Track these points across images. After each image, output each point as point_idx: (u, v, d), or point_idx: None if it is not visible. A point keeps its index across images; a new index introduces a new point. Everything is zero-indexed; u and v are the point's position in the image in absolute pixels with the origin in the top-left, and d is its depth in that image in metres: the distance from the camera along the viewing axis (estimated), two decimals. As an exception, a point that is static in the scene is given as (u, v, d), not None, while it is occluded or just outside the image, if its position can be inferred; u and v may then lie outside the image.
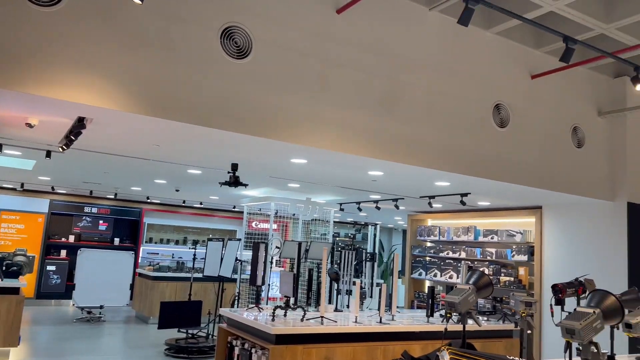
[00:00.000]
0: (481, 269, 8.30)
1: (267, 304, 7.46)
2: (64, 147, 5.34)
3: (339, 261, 8.91)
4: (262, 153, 5.26)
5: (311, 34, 4.66)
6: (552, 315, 4.02)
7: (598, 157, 6.76)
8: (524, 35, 6.05)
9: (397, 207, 8.91)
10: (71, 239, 13.17)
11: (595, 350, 2.75)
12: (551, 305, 4.05)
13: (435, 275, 9.37)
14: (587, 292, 4.04)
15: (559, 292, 4.05)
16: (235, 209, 14.33)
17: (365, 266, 11.33)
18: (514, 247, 8.01)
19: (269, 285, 9.01)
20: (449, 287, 7.75)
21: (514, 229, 8.05)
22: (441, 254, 9.36)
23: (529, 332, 4.04)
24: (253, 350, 4.80)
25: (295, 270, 7.10)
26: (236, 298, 9.08)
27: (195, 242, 10.26)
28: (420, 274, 9.75)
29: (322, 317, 5.08)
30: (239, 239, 9.03)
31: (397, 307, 5.81)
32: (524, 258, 7.81)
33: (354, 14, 4.88)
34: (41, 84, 3.52)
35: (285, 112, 4.48)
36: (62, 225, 13.20)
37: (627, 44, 5.65)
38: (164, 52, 3.97)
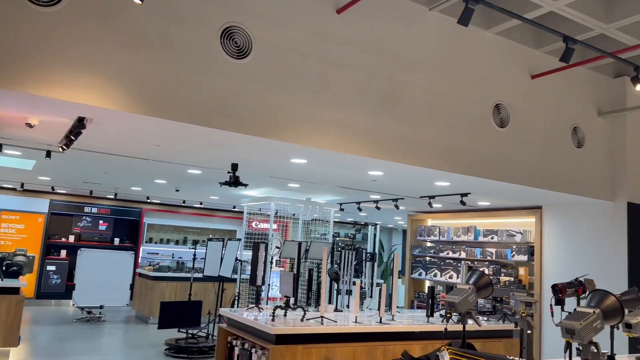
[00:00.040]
0: (481, 269, 8.30)
1: (267, 304, 7.46)
2: (64, 147, 5.34)
3: (339, 261, 8.90)
4: (262, 153, 5.26)
5: (311, 34, 4.66)
6: (552, 315, 4.02)
7: (598, 157, 6.76)
8: (524, 35, 6.05)
9: (397, 207, 8.91)
10: (71, 239, 13.18)
11: (595, 350, 2.75)
12: (551, 305, 4.05)
13: (435, 275, 9.37)
14: (587, 292, 4.04)
15: (559, 292, 4.05)
16: (235, 209, 14.34)
17: (365, 266, 11.33)
18: (514, 247, 8.01)
19: (269, 285, 9.01)
20: (449, 287, 7.75)
21: (514, 229, 8.06)
22: (441, 254, 9.36)
23: (529, 332, 4.04)
24: (253, 350, 4.81)
25: (295, 270, 7.10)
26: (236, 298, 9.08)
27: (195, 242, 10.26)
28: (420, 274, 9.75)
29: (322, 317, 5.08)
30: (239, 239, 9.03)
31: (397, 307, 5.82)
32: (524, 258, 7.81)
33: (354, 14, 4.88)
34: (41, 84, 3.52)
35: (285, 112, 4.48)
36: (62, 225, 13.20)
37: (627, 44, 5.65)
38: (164, 52, 3.97)
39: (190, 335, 8.37)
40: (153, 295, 10.55)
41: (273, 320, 4.94)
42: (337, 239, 15.44)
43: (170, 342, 8.19)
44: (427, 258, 9.73)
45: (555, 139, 6.36)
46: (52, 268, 12.52)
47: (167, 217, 14.64)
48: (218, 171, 7.04)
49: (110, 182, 9.79)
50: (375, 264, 11.73)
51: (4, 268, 7.25)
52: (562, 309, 3.99)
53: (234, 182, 5.93)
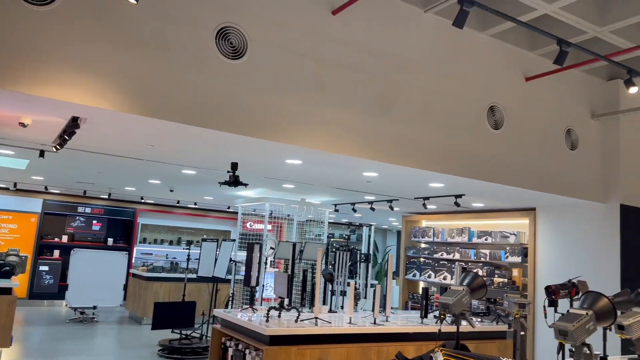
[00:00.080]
0: (475, 271, 8.33)
1: (261, 305, 7.45)
2: (57, 146, 5.32)
3: (333, 262, 8.90)
4: (257, 154, 5.26)
5: (306, 34, 4.66)
6: (546, 317, 4.04)
7: (591, 159, 6.80)
8: (518, 38, 6.08)
9: (391, 208, 8.92)
10: (64, 239, 13.11)
11: (588, 352, 2.77)
12: (544, 306, 4.07)
13: (429, 277, 9.39)
14: (580, 294, 4.06)
15: (552, 293, 4.07)
16: (230, 210, 14.31)
17: (360, 267, 11.33)
18: (507, 248, 8.04)
19: (263, 286, 9.00)
20: (443, 288, 7.77)
21: (508, 230, 8.09)
22: (435, 255, 9.38)
23: (522, 333, 4.06)
24: (247, 351, 4.80)
25: (289, 271, 7.09)
26: (230, 299, 9.06)
27: (189, 243, 10.24)
28: (414, 275, 9.77)
29: (316, 318, 5.08)
30: (234, 240, 9.02)
31: (391, 308, 5.81)
32: (518, 259, 7.84)
33: (350, 15, 4.89)
34: (35, 83, 3.50)
35: (280, 112, 4.47)
36: (55, 225, 13.13)
37: (620, 47, 5.69)
38: (158, 52, 3.96)
39: (184, 336, 8.34)
40: (147, 296, 10.51)
41: (267, 321, 4.94)
42: (332, 239, 15.44)
43: (163, 343, 8.16)
44: (422, 259, 9.75)
45: (549, 141, 6.39)
46: (45, 268, 12.45)
47: (161, 217, 14.60)
48: (213, 171, 7.03)
49: (104, 182, 9.75)
50: (370, 265, 11.74)
51: (-4, 268, 7.20)
52: (556, 311, 4.01)
53: (234, 181, 5.82)
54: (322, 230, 9.81)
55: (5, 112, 4.27)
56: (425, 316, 5.92)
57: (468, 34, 5.69)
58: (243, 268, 7.68)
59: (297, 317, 5.11)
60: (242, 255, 8.80)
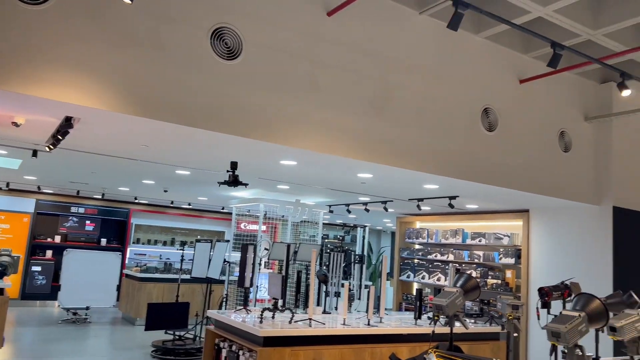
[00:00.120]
0: (469, 272, 8.36)
1: (255, 306, 7.44)
2: (50, 146, 5.29)
3: (327, 263, 8.91)
4: (252, 154, 5.25)
5: (302, 35, 4.66)
6: (539, 318, 4.06)
7: (584, 161, 6.83)
8: (512, 40, 6.11)
9: (386, 209, 8.93)
10: (57, 239, 13.03)
11: (580, 354, 2.78)
12: (537, 308, 4.09)
13: (423, 278, 9.40)
14: (573, 296, 4.08)
15: (545, 295, 4.09)
16: (224, 210, 14.27)
17: (354, 268, 11.34)
18: (501, 249, 8.07)
19: (257, 287, 8.99)
20: (437, 290, 7.79)
21: (502, 232, 8.12)
22: (429, 257, 9.40)
23: (515, 335, 4.08)
24: (241, 353, 4.79)
25: (283, 272, 7.09)
26: (224, 300, 9.04)
27: (183, 243, 10.19)
28: (408, 276, 9.78)
29: (310, 319, 5.07)
30: (228, 240, 8.99)
31: (385, 309, 5.82)
32: (511, 261, 7.87)
33: (345, 17, 4.89)
34: (28, 82, 3.48)
35: (275, 113, 4.47)
36: (48, 225, 13.06)
37: (613, 50, 5.73)
38: (153, 52, 3.94)
39: (177, 337, 8.31)
40: (140, 297, 10.46)
41: (261, 322, 4.93)
42: (326, 240, 15.44)
43: (157, 344, 8.13)
44: (416, 260, 9.76)
45: (543, 143, 6.42)
46: (38, 269, 12.37)
47: (155, 217, 14.54)
48: (207, 172, 7.01)
49: (98, 182, 9.70)
50: (364, 266, 11.75)
51: (-12, 268, 7.15)
52: (548, 312, 4.03)
53: (234, 181, 5.69)
54: (316, 231, 9.81)
55: (-2, 112, 4.25)
56: (419, 317, 5.93)
57: (463, 36, 5.71)
58: (237, 269, 7.67)
59: (291, 318, 5.10)
60: (236, 256, 8.77)
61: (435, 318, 3.64)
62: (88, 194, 12.64)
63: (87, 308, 10.79)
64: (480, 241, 8.42)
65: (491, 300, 6.68)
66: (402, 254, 10.09)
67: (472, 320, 6.31)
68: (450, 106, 5.59)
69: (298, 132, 4.57)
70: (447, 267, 8.93)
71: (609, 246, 6.61)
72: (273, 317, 5.24)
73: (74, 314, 10.63)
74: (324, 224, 9.98)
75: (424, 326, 5.59)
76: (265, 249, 8.25)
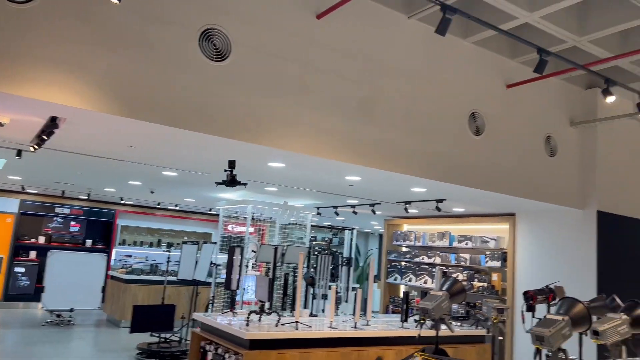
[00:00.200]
0: (455, 275, 8.40)
1: (241, 309, 7.40)
2: (35, 146, 5.23)
3: (315, 265, 8.90)
4: (240, 156, 5.23)
5: (291, 38, 4.66)
6: (523, 322, 4.09)
7: (570, 166, 6.91)
8: (500, 46, 6.16)
9: (373, 212, 8.95)
10: (41, 240, 12.86)
11: (564, 357, 2.81)
12: (522, 311, 4.12)
13: (410, 280, 9.43)
14: (557, 299, 4.12)
15: (530, 298, 4.12)
16: (211, 212, 14.19)
17: (342, 270, 11.33)
18: (487, 253, 8.12)
19: (244, 289, 8.94)
20: (424, 293, 7.82)
21: (488, 235, 8.17)
22: (416, 259, 9.43)
23: (500, 338, 4.10)
24: (226, 356, 4.76)
25: (271, 275, 7.06)
26: (210, 302, 8.98)
27: (169, 245, 10.13)
28: (395, 279, 9.81)
29: (296, 322, 5.06)
30: (215, 242, 8.94)
31: (372, 312, 5.83)
32: (497, 264, 7.93)
33: (334, 20, 4.90)
34: (13, 81, 3.43)
35: (263, 115, 4.46)
36: (32, 225, 12.88)
37: (598, 57, 5.80)
38: (140, 53, 3.91)
39: (162, 340, 8.25)
40: (125, 299, 10.36)
41: (247, 325, 4.91)
42: (314, 243, 15.42)
43: (142, 347, 8.05)
44: (403, 263, 9.80)
45: (529, 148, 6.48)
46: (21, 270, 12.20)
47: (142, 219, 14.41)
48: (194, 173, 6.97)
49: (83, 182, 9.59)
50: (352, 269, 11.75)
51: (-31, 270, 7.03)
52: (533, 316, 4.06)
53: (231, 180, 5.50)
54: (304, 234, 9.79)
55: (-19, 111, 4.18)
56: (406, 320, 5.94)
57: (451, 41, 5.75)
58: (224, 271, 7.62)
59: (278, 321, 5.09)
60: (223, 258, 8.72)
61: (422, 321, 3.65)
62: (73, 195, 12.50)
63: (72, 310, 10.64)
64: (467, 244, 8.47)
65: (477, 303, 6.72)
66: (390, 257, 10.12)
67: (458, 323, 6.34)
68: (437, 110, 5.62)
69: (286, 134, 4.57)
70: (434, 269, 8.97)
71: (592, 250, 6.69)
72: (259, 320, 5.22)
73: (58, 315, 10.50)
74: (311, 226, 9.97)
75: (410, 329, 5.61)
76: (253, 251, 8.21)
